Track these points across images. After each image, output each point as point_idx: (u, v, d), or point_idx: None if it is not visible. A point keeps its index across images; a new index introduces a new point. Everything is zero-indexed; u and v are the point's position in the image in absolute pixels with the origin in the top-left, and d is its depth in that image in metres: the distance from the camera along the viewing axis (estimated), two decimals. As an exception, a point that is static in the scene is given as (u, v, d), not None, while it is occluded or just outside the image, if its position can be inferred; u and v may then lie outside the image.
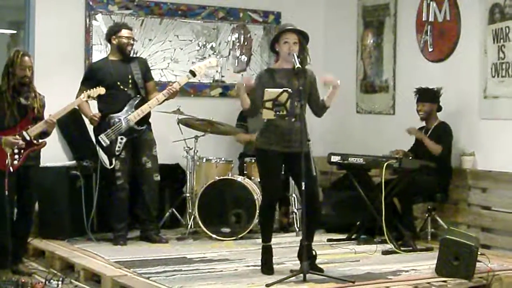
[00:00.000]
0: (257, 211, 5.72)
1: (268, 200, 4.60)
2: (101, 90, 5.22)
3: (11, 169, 4.64)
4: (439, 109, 5.77)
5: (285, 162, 4.57)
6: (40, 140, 4.87)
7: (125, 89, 5.62)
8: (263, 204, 4.67)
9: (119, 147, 5.54)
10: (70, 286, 4.66)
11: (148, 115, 5.68)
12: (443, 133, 5.67)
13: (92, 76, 5.60)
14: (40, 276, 4.85)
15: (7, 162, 4.63)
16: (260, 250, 4.71)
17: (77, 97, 5.34)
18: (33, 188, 4.92)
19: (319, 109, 4.64)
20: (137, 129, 5.60)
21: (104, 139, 5.55)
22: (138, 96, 5.66)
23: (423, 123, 5.83)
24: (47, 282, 4.63)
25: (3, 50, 6.67)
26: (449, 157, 5.69)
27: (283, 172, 4.77)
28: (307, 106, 4.61)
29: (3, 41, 6.96)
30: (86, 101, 5.33)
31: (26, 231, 4.99)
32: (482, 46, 5.63)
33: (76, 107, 5.44)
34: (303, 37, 4.54)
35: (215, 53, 6.86)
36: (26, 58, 4.79)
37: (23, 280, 4.55)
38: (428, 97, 5.73)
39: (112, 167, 5.54)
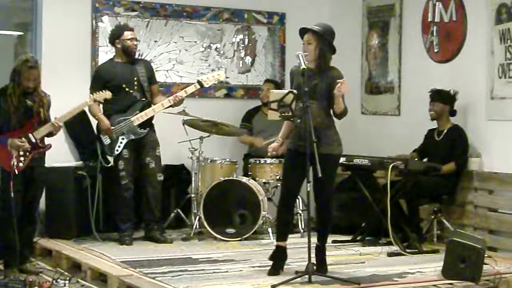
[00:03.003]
0: (262, 212, 5.73)
1: (281, 197, 4.61)
2: (107, 94, 5.25)
3: (16, 171, 4.65)
4: (453, 113, 5.72)
5: (302, 162, 4.43)
6: (46, 143, 4.89)
7: (131, 91, 5.66)
8: (279, 203, 4.69)
9: (119, 146, 5.58)
10: (77, 285, 4.68)
11: (151, 117, 5.71)
12: (459, 143, 5.61)
13: (99, 78, 5.64)
14: (47, 275, 4.87)
15: (12, 163, 4.65)
16: (265, 251, 4.74)
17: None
18: (38, 187, 4.93)
19: (335, 113, 4.56)
20: (138, 131, 5.63)
21: (106, 137, 5.58)
22: (144, 99, 5.70)
23: (434, 125, 5.79)
24: (54, 281, 4.66)
25: (10, 52, 6.68)
26: (466, 163, 5.63)
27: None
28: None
29: (10, 43, 6.97)
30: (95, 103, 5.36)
31: (31, 230, 5.01)
32: (489, 46, 5.61)
33: (85, 109, 5.47)
34: (322, 35, 4.46)
35: (219, 55, 6.87)
36: (34, 71, 4.75)
37: (30, 279, 4.57)
38: (439, 97, 5.70)
39: (110, 165, 5.58)
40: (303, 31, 4.54)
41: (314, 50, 4.47)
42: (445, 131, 5.71)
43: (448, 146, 5.64)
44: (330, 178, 4.49)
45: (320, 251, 4.55)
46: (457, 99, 5.71)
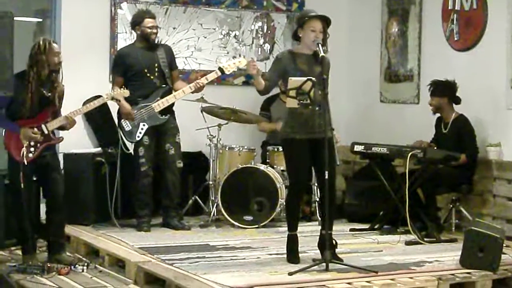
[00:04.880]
0: (280, 199, 5.73)
1: (294, 189, 4.59)
2: (125, 93, 5.25)
3: (25, 162, 4.61)
4: (457, 101, 5.67)
5: (310, 150, 4.54)
6: (59, 135, 4.88)
7: (152, 77, 5.68)
8: (289, 193, 4.67)
9: (140, 132, 5.61)
10: (95, 271, 4.71)
11: (172, 104, 5.72)
12: (464, 133, 5.56)
13: (121, 62, 5.67)
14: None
15: (22, 153, 4.61)
16: (283, 239, 4.73)
17: (112, 87, 5.47)
18: (56, 173, 4.84)
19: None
20: (159, 118, 5.65)
21: (127, 123, 5.61)
22: (165, 85, 5.71)
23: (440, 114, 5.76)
24: (72, 267, 4.69)
25: (30, 39, 6.72)
26: (477, 152, 5.61)
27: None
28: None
29: (29, 30, 7.02)
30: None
31: (62, 218, 4.89)
32: (510, 35, 5.54)
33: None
34: (327, 25, 4.53)
35: (238, 42, 6.86)
36: (55, 45, 4.75)
37: (48, 265, 4.62)
38: (436, 91, 5.65)
39: (130, 152, 5.61)
40: (313, 17, 4.48)
41: (322, 40, 4.48)
42: (450, 122, 5.66)
43: (454, 137, 5.59)
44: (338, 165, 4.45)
45: (331, 238, 4.52)
46: (458, 87, 5.64)
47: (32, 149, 4.69)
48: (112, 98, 5.19)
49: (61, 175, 4.98)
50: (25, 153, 4.63)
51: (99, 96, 5.90)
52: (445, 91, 5.64)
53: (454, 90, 5.66)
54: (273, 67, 4.62)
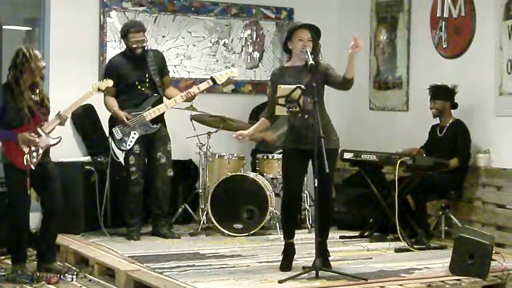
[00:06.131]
0: (269, 207, 5.73)
1: (287, 198, 4.60)
2: (109, 83, 5.23)
3: (33, 167, 4.59)
4: (455, 106, 5.73)
5: (305, 160, 4.56)
6: (56, 137, 4.86)
7: (143, 89, 5.67)
8: (283, 202, 4.67)
9: (131, 141, 5.60)
10: (84, 280, 4.70)
11: (163, 112, 5.71)
12: (460, 136, 5.61)
13: (112, 72, 5.62)
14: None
15: (25, 159, 4.58)
16: (272, 247, 4.75)
17: (104, 96, 5.46)
18: (55, 181, 4.81)
19: (343, 85, 4.53)
20: (151, 127, 5.64)
21: (118, 132, 5.60)
22: (156, 95, 5.70)
23: (437, 121, 5.81)
24: (61, 276, 4.67)
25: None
26: (468, 157, 5.65)
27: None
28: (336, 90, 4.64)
29: (19, 38, 6.99)
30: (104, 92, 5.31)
31: (58, 226, 4.88)
32: (498, 42, 5.58)
33: (92, 103, 5.46)
34: (315, 34, 4.55)
35: (227, 50, 6.87)
36: (36, 51, 4.77)
37: (38, 274, 4.59)
38: (440, 94, 5.69)
39: (120, 160, 5.60)
40: (300, 27, 4.51)
41: (312, 48, 4.49)
42: (447, 126, 5.70)
43: (450, 141, 5.63)
44: (333, 173, 4.50)
45: (325, 246, 4.54)
46: (457, 92, 5.71)
47: (34, 154, 4.67)
48: (99, 89, 5.15)
49: (60, 184, 4.92)
50: (28, 158, 4.60)
51: (87, 105, 5.90)
52: (448, 95, 5.68)
53: (454, 96, 5.71)
54: (270, 90, 4.69)
